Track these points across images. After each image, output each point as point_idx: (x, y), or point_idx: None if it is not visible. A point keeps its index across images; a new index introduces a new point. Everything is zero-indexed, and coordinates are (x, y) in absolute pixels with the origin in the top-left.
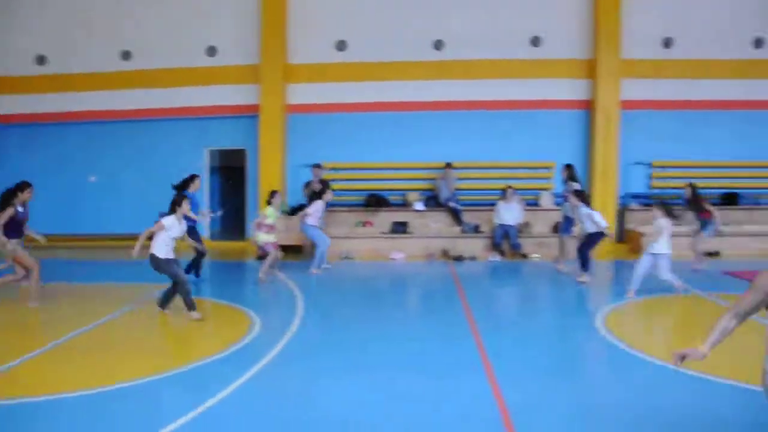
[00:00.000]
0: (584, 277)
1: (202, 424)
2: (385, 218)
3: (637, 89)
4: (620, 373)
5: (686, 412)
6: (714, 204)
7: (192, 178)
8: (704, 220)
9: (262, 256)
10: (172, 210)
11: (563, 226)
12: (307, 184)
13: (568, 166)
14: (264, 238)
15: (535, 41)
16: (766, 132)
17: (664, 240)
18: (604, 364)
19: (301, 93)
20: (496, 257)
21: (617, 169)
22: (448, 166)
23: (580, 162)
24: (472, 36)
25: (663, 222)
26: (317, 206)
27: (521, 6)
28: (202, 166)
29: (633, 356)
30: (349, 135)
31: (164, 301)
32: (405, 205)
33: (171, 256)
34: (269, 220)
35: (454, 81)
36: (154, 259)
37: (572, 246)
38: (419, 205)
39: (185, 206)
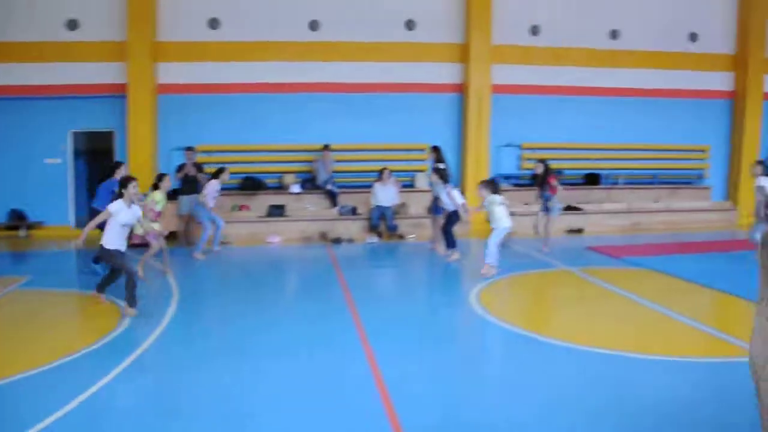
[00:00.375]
0: (454, 255)
1: (75, 418)
2: (261, 201)
3: (507, 74)
4: (492, 345)
5: (552, 377)
6: (576, 184)
7: (118, 165)
8: (549, 195)
9: (140, 245)
10: (119, 194)
11: (434, 207)
12: (180, 168)
13: (435, 148)
14: (148, 226)
15: (410, 24)
16: (622, 117)
17: (499, 215)
18: (476, 337)
19: (173, 72)
20: (374, 239)
21: (489, 151)
22: (326, 148)
23: (454, 144)
24: (347, 17)
25: (492, 198)
26: (213, 186)
27: None
28: (66, 149)
29: (504, 329)
30: (224, 116)
31: (102, 286)
32: (282, 187)
33: (121, 247)
34: (158, 207)
35: (330, 63)
36: (102, 249)
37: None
38: (296, 188)
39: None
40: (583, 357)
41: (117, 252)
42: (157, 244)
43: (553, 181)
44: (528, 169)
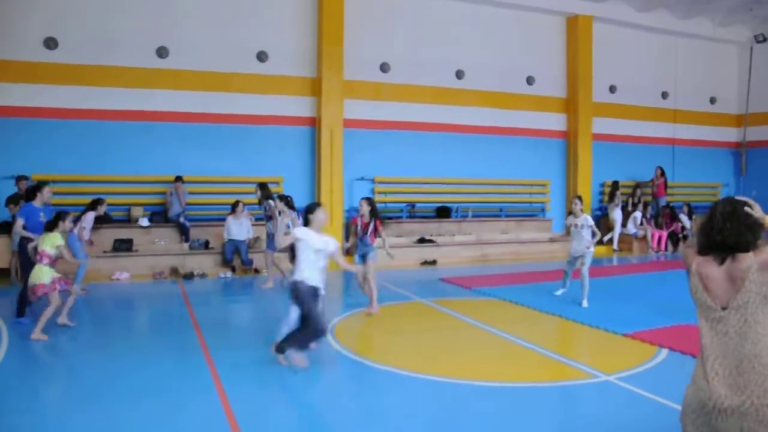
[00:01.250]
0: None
1: None
2: (107, 235)
3: (359, 109)
4: (347, 379)
5: (407, 409)
6: (428, 217)
7: (39, 187)
8: (368, 243)
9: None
10: (53, 225)
11: (267, 243)
12: (13, 198)
13: (262, 186)
14: (46, 275)
15: (262, 56)
16: (470, 152)
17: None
18: (331, 372)
19: (7, 94)
20: (227, 274)
21: (342, 185)
22: (178, 179)
23: (308, 177)
24: (198, 46)
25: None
26: (89, 219)
27: (249, 22)
28: None
29: (357, 362)
30: (68, 145)
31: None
32: (129, 221)
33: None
34: (53, 251)
35: (183, 91)
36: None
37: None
38: (145, 221)
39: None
40: (437, 387)
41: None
42: (58, 299)
43: (380, 226)
44: (381, 202)
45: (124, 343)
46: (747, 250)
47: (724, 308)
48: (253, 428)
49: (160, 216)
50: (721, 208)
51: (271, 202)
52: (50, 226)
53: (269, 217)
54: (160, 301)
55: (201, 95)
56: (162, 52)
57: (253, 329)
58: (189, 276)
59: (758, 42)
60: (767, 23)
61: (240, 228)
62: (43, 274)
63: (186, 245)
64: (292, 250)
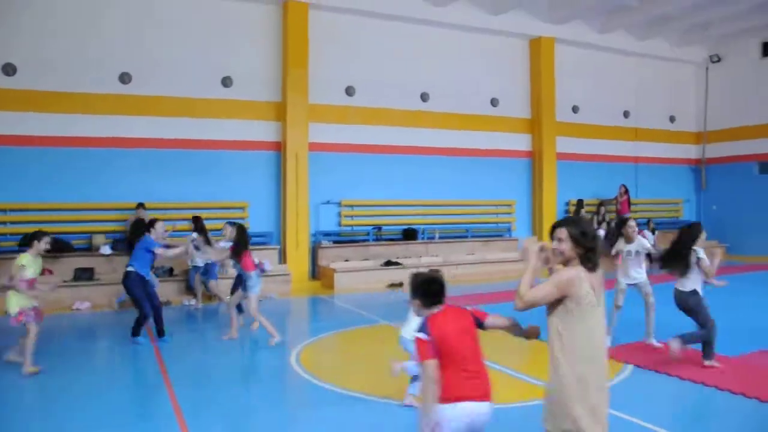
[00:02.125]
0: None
1: None
2: (67, 265)
3: (324, 132)
4: (312, 406)
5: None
6: (395, 240)
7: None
8: (245, 273)
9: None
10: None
11: (202, 271)
12: None
13: (196, 218)
14: (24, 302)
15: (226, 81)
16: (436, 174)
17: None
18: (298, 401)
19: None
20: (192, 301)
21: (308, 208)
22: (140, 206)
23: (274, 201)
24: (165, 72)
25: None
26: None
27: (213, 48)
28: None
29: (324, 389)
30: (25, 172)
31: None
32: (90, 249)
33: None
34: (29, 272)
35: (146, 117)
36: None
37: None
38: (106, 249)
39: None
40: (405, 412)
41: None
42: (36, 329)
43: (249, 259)
44: (347, 225)
45: (83, 371)
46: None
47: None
48: None
49: (122, 244)
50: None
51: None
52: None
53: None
54: (123, 331)
55: (165, 121)
56: (125, 78)
57: (219, 358)
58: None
59: (713, 62)
60: (722, 44)
61: (203, 254)
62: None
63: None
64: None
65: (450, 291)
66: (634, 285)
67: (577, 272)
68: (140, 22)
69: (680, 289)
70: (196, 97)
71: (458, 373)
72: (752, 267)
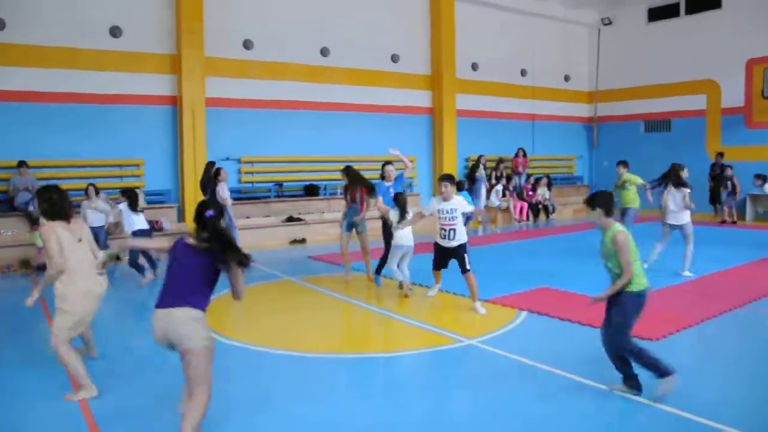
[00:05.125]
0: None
1: None
2: None
3: (222, 87)
4: (217, 364)
5: (283, 387)
6: (297, 196)
7: None
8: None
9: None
10: None
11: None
12: None
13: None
14: None
15: (115, 32)
16: (336, 130)
17: None
18: None
19: None
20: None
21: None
22: (22, 164)
23: (171, 158)
24: (45, 18)
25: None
26: None
27: None
28: None
29: (232, 346)
30: None
31: None
32: None
33: None
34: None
35: (24, 68)
36: None
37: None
38: None
39: None
40: (309, 363)
41: None
42: None
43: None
44: (248, 182)
45: None
46: None
47: None
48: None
49: (4, 205)
50: None
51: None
52: None
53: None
54: (10, 298)
55: (46, 72)
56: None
57: (114, 318)
58: (42, 267)
59: (605, 25)
60: (613, 7)
61: (96, 214)
62: None
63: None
64: None
65: (353, 246)
66: None
67: None
68: None
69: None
70: (81, 47)
71: None
72: (638, 219)
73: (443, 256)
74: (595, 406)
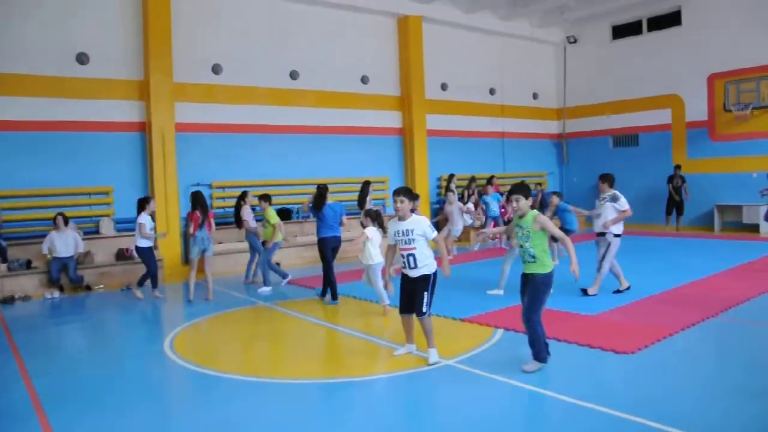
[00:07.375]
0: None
1: None
2: None
3: (191, 112)
4: (192, 393)
5: (256, 416)
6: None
7: None
8: None
9: None
10: None
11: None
12: None
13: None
14: None
15: (82, 59)
16: (308, 153)
17: None
18: (177, 387)
19: None
20: (55, 294)
21: (178, 191)
22: None
23: (141, 185)
24: (9, 47)
25: None
26: None
27: (66, 21)
28: None
29: (204, 375)
30: None
31: None
32: None
33: None
34: None
35: (22, 98)
36: None
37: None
38: None
39: None
40: (284, 390)
41: None
42: None
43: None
44: (220, 207)
45: None
46: None
47: None
48: None
49: None
50: None
51: None
52: None
53: None
54: None
55: (10, 100)
56: None
57: (86, 351)
58: (9, 300)
59: (570, 43)
60: (577, 25)
61: (66, 243)
62: None
63: (3, 266)
64: None
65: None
66: None
67: None
68: None
69: None
70: (48, 74)
71: None
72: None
73: (405, 291)
74: (574, 422)
